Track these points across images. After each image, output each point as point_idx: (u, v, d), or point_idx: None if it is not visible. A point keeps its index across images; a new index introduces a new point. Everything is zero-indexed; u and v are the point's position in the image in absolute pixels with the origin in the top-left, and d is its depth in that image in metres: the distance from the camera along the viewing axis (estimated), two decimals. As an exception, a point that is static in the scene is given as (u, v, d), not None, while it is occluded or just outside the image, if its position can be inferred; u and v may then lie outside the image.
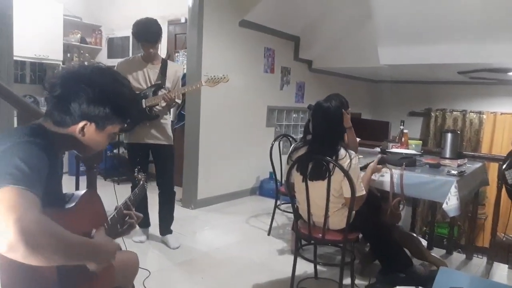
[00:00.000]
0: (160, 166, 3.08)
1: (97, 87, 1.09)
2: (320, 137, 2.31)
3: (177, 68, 3.13)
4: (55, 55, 5.15)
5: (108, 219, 1.22)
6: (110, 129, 1.15)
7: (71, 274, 0.99)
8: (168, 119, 3.09)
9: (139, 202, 2.85)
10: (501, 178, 3.15)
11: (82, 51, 5.80)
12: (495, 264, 3.29)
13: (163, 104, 2.93)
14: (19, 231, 0.78)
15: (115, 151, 5.36)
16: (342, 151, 2.24)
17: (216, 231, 3.68)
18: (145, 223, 3.15)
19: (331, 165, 2.20)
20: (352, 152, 2.29)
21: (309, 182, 2.27)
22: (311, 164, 2.27)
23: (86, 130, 1.11)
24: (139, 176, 1.56)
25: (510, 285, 3.02)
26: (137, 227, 2.84)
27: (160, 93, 2.90)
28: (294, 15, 4.74)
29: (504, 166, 3.12)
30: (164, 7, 5.06)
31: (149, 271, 2.57)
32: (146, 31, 2.81)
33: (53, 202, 1.02)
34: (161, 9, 4.98)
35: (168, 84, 2.99)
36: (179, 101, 3.02)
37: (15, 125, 2.65)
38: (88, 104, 1.07)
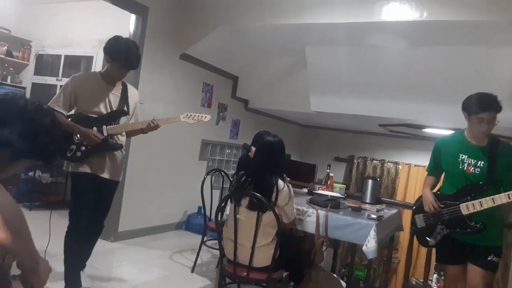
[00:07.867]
0: (101, 200, 2.67)
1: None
2: (263, 169, 2.41)
3: (136, 92, 2.82)
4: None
5: None
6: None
7: None
8: (123, 152, 2.74)
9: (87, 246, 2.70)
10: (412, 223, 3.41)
11: (6, 65, 5.38)
12: (406, 306, 3.49)
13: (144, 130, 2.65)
14: None
15: (30, 173, 4.91)
16: (280, 182, 2.35)
17: (136, 266, 3.46)
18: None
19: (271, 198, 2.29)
20: (288, 182, 2.43)
21: (246, 212, 2.30)
22: (251, 195, 2.31)
23: None
24: None
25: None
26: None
27: (122, 121, 2.61)
28: (234, 56, 4.89)
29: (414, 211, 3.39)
30: (103, 29, 4.87)
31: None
32: (129, 55, 2.50)
33: None
34: (99, 32, 4.84)
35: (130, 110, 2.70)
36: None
37: None
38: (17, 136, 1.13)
